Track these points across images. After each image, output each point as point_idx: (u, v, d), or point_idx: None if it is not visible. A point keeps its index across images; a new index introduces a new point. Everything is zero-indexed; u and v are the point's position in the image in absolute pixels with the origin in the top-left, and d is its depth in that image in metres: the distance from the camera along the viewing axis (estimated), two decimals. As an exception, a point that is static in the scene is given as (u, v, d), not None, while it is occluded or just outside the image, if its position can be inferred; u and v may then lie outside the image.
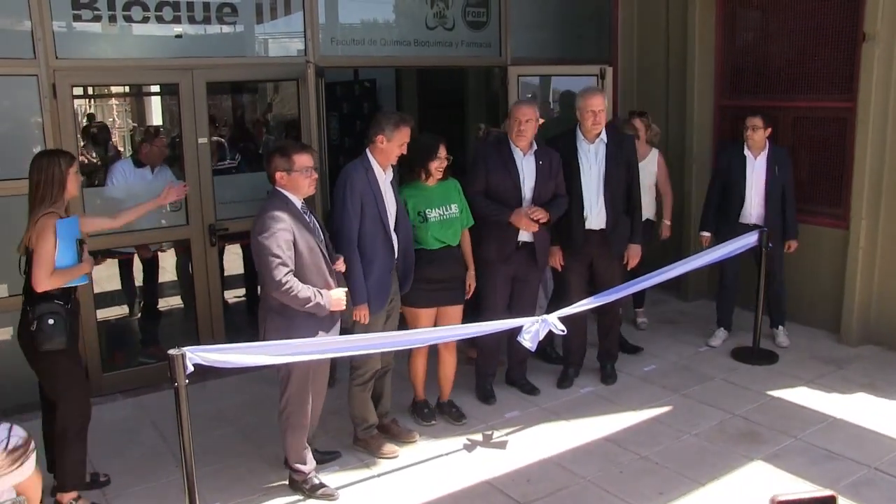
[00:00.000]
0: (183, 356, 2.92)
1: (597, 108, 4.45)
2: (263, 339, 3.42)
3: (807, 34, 5.66)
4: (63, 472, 3.42)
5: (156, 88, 9.06)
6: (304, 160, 3.43)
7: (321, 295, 3.36)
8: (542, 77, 6.50)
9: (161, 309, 6.46)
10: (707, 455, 3.91)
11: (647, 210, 5.51)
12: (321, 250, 3.45)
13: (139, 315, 6.38)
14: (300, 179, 3.42)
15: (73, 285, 3.43)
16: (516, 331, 3.91)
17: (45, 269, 3.25)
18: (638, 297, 5.81)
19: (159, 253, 6.20)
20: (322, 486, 3.64)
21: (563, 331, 3.94)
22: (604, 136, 4.55)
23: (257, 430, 4.29)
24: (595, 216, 4.56)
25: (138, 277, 6.27)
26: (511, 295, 4.50)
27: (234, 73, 5.52)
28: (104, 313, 5.75)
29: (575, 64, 6.37)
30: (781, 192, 5.20)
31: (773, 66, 5.94)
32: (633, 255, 4.73)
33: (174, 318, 6.47)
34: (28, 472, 1.88)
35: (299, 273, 3.33)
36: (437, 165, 4.03)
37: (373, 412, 4.05)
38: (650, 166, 5.50)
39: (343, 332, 3.65)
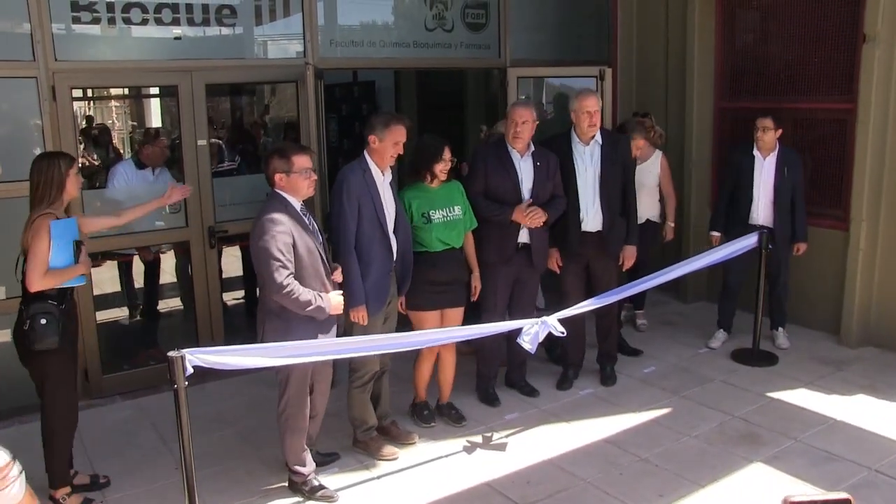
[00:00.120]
0: (183, 358, 2.92)
1: (593, 109, 4.44)
2: (262, 342, 3.42)
3: (807, 35, 5.65)
4: (52, 472, 3.49)
5: (155, 90, 9.07)
6: (302, 162, 3.43)
7: (321, 298, 3.36)
8: (535, 79, 6.49)
9: (160, 311, 6.47)
10: (707, 457, 3.90)
11: (651, 212, 5.51)
12: (320, 253, 3.44)
13: (139, 317, 6.38)
14: (299, 181, 3.42)
15: (69, 286, 3.43)
16: (515, 333, 3.90)
17: (38, 270, 3.25)
18: (638, 299, 5.80)
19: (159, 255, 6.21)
20: (321, 487, 3.63)
21: (563, 332, 3.93)
22: (598, 137, 4.55)
23: (256, 432, 4.29)
24: (591, 218, 4.56)
25: (138, 280, 6.27)
26: (510, 297, 4.50)
27: (234, 74, 5.52)
28: (104, 315, 5.75)
29: (574, 65, 6.36)
30: (791, 193, 5.15)
31: (773, 68, 5.93)
32: (629, 256, 4.72)
33: (173, 320, 6.47)
34: (15, 498, 1.49)
35: (298, 276, 3.32)
36: (442, 167, 4.03)
37: (372, 414, 4.05)
38: (654, 168, 5.49)
39: (340, 334, 3.64)
